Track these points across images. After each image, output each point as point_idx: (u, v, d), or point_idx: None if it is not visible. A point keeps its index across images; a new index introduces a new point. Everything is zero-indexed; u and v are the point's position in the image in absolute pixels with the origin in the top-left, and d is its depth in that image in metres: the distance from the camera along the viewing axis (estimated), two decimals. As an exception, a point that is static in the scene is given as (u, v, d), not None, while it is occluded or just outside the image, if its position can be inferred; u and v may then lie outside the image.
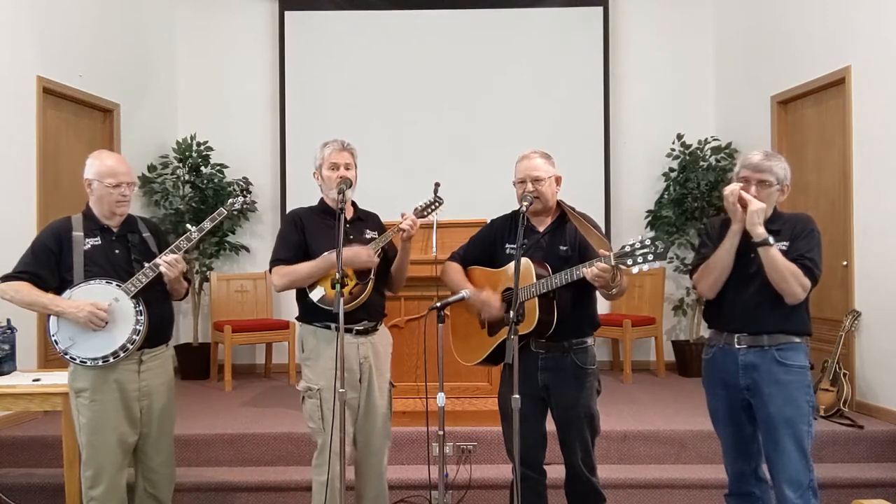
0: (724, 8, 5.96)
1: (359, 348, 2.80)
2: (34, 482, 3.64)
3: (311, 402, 2.79)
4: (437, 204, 2.92)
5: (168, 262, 2.66)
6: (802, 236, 2.51)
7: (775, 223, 2.54)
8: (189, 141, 5.83)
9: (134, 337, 2.63)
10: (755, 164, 2.52)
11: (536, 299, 2.50)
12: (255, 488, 3.60)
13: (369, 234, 2.91)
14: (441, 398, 2.50)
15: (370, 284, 2.76)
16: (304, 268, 2.75)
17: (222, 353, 5.36)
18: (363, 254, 2.72)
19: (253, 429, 3.97)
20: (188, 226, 2.83)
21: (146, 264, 2.68)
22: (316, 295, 2.77)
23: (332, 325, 2.74)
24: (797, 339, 2.53)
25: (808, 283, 2.44)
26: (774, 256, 2.42)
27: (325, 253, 2.73)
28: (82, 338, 2.60)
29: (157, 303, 2.74)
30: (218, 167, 5.88)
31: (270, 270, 2.84)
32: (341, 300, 2.47)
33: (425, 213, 2.91)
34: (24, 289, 2.61)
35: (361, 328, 2.80)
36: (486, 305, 2.63)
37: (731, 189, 2.49)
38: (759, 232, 2.43)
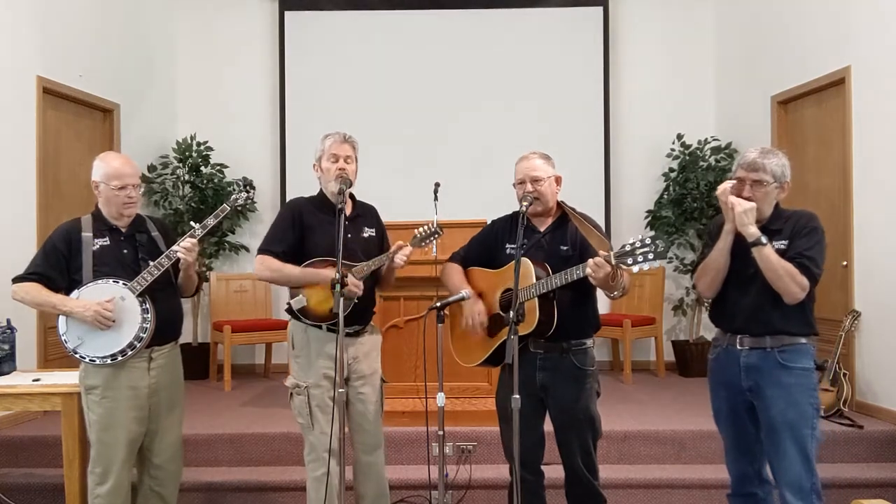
0: (724, 8, 5.95)
1: (347, 349, 2.79)
2: (34, 482, 3.63)
3: (299, 398, 2.80)
4: (436, 235, 2.86)
5: (185, 248, 2.68)
6: (803, 234, 2.46)
7: (776, 222, 2.51)
8: (189, 141, 5.82)
9: (141, 335, 2.65)
10: (749, 162, 2.49)
11: (536, 300, 2.49)
12: (255, 488, 3.60)
13: (367, 233, 2.91)
14: (441, 398, 2.51)
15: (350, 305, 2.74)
16: (293, 273, 2.73)
17: (222, 353, 5.35)
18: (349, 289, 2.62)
19: (253, 429, 3.97)
20: (192, 223, 2.83)
21: (151, 262, 2.69)
22: (297, 304, 2.74)
23: (324, 325, 2.76)
24: (802, 340, 2.49)
25: (805, 282, 2.40)
26: (768, 256, 2.39)
27: (322, 269, 2.71)
28: (90, 337, 2.63)
29: (165, 300, 2.76)
30: (218, 167, 5.88)
31: (258, 254, 2.79)
32: (342, 301, 2.47)
33: (423, 243, 2.86)
34: (34, 290, 2.66)
35: (352, 331, 2.81)
36: (472, 314, 2.64)
37: (722, 188, 2.50)
38: (751, 232, 2.41)
